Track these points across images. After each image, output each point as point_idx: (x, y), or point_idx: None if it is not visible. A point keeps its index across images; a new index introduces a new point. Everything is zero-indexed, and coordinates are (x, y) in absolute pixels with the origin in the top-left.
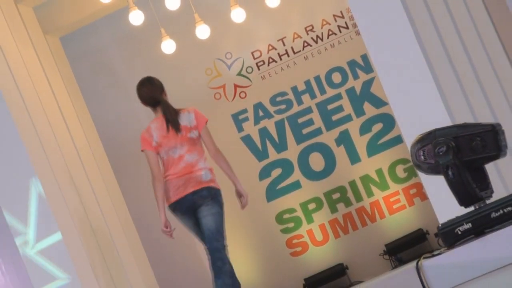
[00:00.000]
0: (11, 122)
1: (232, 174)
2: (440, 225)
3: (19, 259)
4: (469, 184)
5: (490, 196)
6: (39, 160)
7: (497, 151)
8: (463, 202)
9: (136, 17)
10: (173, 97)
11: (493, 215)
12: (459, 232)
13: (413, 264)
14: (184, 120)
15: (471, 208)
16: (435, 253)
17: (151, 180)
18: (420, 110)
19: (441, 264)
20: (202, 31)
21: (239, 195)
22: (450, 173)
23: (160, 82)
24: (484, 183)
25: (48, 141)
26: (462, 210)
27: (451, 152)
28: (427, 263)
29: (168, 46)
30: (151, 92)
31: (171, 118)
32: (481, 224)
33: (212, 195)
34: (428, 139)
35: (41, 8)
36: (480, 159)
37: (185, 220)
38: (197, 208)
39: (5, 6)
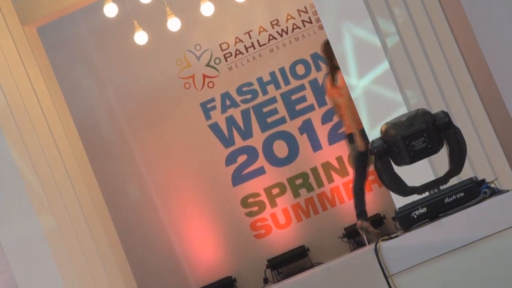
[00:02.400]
0: None
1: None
2: (397, 209)
3: None
4: (391, 183)
5: (425, 189)
6: (18, 148)
7: (408, 159)
8: (398, 194)
9: (111, 10)
10: (145, 86)
11: (447, 200)
12: (415, 216)
13: (371, 246)
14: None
15: (426, 194)
16: (392, 235)
17: None
18: (379, 101)
19: (398, 246)
20: (173, 24)
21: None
22: (378, 175)
23: None
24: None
25: (25, 128)
26: (418, 196)
27: (374, 156)
28: (385, 245)
29: (141, 37)
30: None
31: (331, 75)
32: (435, 209)
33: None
34: None
35: (19, 0)
36: (402, 162)
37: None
38: None
39: None
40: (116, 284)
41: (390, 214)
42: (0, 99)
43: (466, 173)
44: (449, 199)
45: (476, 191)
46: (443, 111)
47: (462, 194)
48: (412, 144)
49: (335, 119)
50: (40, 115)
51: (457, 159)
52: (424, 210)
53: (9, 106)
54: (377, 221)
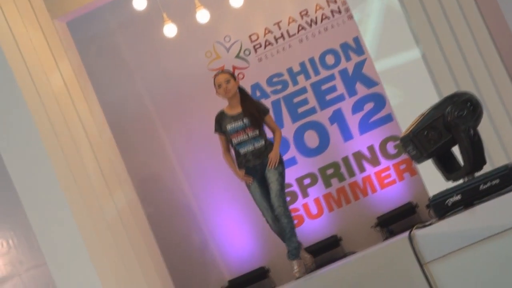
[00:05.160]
0: (23, 104)
1: None
2: (431, 197)
3: (30, 232)
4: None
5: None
6: (50, 143)
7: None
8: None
9: (139, 3)
10: (175, 79)
11: (482, 187)
12: (449, 204)
13: (405, 234)
14: None
15: (461, 181)
16: (426, 223)
17: None
18: (410, 90)
19: (432, 234)
20: (202, 16)
21: None
22: None
23: None
24: (452, 166)
25: (58, 122)
26: (451, 183)
27: None
28: (419, 233)
29: (170, 30)
30: None
31: None
32: (470, 196)
33: None
34: None
35: None
36: None
37: None
38: None
39: None
40: (149, 275)
41: (423, 202)
42: (33, 93)
43: (500, 160)
44: (484, 186)
45: (511, 178)
46: (451, 108)
47: (497, 180)
48: (407, 150)
49: (366, 108)
50: (72, 109)
51: (465, 158)
52: (458, 197)
53: (41, 99)
54: (409, 210)
